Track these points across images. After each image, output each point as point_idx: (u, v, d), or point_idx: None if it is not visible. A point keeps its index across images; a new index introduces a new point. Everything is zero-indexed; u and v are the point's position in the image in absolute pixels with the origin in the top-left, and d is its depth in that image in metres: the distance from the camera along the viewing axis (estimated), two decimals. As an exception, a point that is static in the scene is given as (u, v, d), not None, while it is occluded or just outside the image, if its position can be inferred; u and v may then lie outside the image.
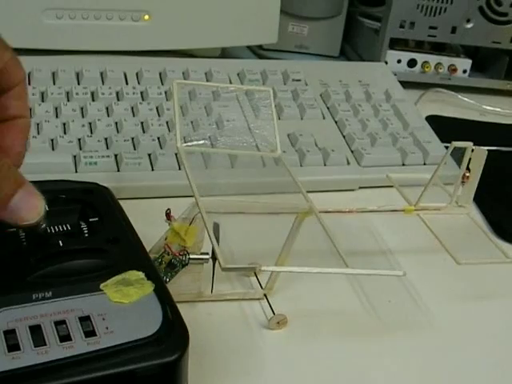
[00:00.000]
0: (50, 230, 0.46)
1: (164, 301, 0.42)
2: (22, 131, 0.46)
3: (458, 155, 0.59)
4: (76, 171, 0.64)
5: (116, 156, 0.65)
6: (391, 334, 0.54)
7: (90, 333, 0.39)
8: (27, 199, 0.41)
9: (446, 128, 0.83)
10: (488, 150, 0.55)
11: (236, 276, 0.57)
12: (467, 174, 0.56)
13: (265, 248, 0.54)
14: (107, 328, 0.39)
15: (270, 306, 0.53)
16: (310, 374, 0.49)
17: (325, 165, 0.71)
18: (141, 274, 0.43)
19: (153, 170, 0.65)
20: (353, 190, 0.71)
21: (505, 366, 0.53)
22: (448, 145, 0.55)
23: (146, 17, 0.83)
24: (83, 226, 0.47)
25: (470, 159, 0.57)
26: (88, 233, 0.47)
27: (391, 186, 0.61)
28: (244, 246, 0.58)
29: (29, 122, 0.46)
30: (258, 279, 0.55)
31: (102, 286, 0.42)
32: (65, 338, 0.38)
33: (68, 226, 0.47)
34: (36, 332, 0.38)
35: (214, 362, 0.48)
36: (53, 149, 0.65)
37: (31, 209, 0.41)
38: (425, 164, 0.74)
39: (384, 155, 0.73)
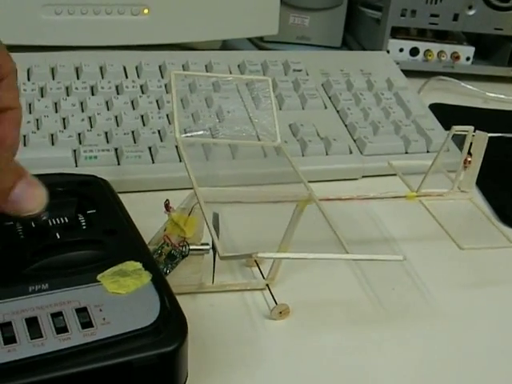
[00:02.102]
0: (48, 222, 0.46)
1: (162, 291, 0.41)
2: (13, 122, 0.46)
3: (461, 142, 0.58)
4: (76, 165, 0.63)
5: (116, 150, 0.65)
6: (395, 323, 0.53)
7: (86, 324, 0.39)
8: (28, 190, 0.41)
9: (449, 116, 0.82)
10: (492, 136, 0.55)
11: (238, 267, 0.56)
12: (469, 159, 0.56)
13: (266, 237, 0.54)
14: (104, 319, 0.39)
15: (273, 296, 0.53)
16: (313, 363, 0.49)
17: (327, 154, 0.70)
18: (138, 265, 0.43)
19: (153, 162, 0.65)
20: (356, 179, 0.71)
21: (510, 352, 0.52)
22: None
23: (146, 11, 0.82)
24: (81, 218, 0.47)
25: (471, 144, 0.56)
26: (85, 225, 0.46)
27: (394, 175, 0.61)
28: (245, 236, 0.58)
29: (20, 113, 0.46)
30: (259, 269, 0.55)
31: (98, 277, 0.42)
32: (61, 329, 0.38)
33: (66, 218, 0.47)
34: (32, 324, 0.38)
35: (216, 352, 0.48)
36: (52, 144, 0.65)
37: (32, 199, 0.41)
38: (428, 152, 0.73)
39: (387, 143, 0.72)
